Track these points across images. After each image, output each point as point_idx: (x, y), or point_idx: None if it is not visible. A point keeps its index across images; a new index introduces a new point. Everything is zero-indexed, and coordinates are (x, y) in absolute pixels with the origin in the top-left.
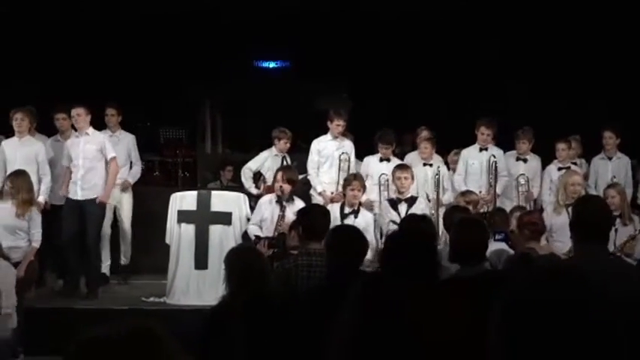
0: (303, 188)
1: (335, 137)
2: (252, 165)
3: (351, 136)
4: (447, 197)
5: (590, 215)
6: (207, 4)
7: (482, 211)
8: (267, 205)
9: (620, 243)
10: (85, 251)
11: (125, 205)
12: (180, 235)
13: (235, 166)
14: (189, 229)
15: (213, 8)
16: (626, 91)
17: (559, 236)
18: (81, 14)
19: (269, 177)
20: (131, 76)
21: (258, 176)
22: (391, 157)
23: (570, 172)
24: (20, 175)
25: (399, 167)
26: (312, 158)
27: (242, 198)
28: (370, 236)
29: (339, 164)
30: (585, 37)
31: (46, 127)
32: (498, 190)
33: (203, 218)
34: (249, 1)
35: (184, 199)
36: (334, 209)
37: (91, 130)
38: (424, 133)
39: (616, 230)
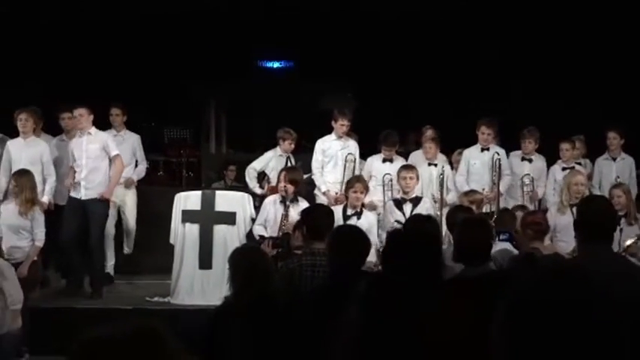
0: (307, 188)
1: (339, 137)
2: (257, 165)
3: (356, 136)
4: (452, 197)
5: (595, 215)
6: (212, 4)
7: (485, 210)
8: (272, 205)
9: (624, 243)
10: (89, 251)
11: (129, 203)
12: (184, 235)
13: (238, 165)
14: (193, 229)
15: (217, 8)
16: (631, 91)
17: (563, 236)
18: (87, 14)
19: (273, 177)
20: (135, 76)
21: (262, 176)
22: (394, 157)
23: (573, 172)
24: (24, 174)
25: (404, 167)
26: (317, 158)
27: (246, 198)
28: (374, 238)
29: (345, 165)
30: (590, 37)
31: (51, 127)
32: (501, 189)
33: (207, 218)
34: (253, 2)
35: (189, 199)
36: (337, 211)
37: (93, 129)
38: (429, 132)
39: (621, 230)
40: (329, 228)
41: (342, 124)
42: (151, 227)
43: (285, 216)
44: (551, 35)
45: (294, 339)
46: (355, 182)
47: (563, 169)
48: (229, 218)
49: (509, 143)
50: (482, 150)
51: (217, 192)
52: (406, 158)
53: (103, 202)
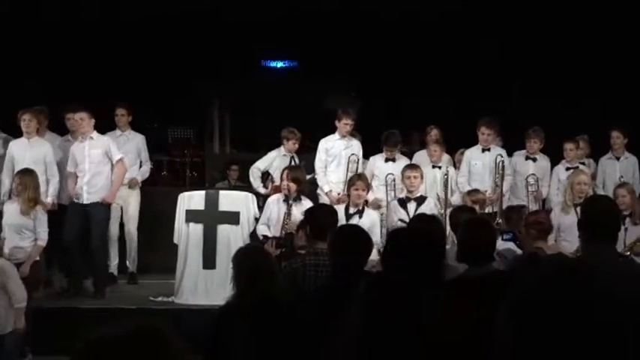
0: (310, 188)
1: (343, 136)
2: (261, 164)
3: (359, 135)
4: (456, 198)
5: (599, 215)
6: (215, 4)
7: (487, 211)
8: (275, 204)
9: (629, 242)
10: (90, 252)
11: (131, 206)
12: (188, 235)
13: (241, 165)
14: (197, 229)
15: (220, 8)
16: (634, 90)
17: (567, 235)
18: (91, 14)
19: (277, 177)
20: (139, 77)
21: (266, 176)
22: (397, 156)
23: (577, 172)
24: (28, 173)
25: (408, 166)
26: (320, 157)
27: (250, 198)
28: (376, 236)
29: (348, 165)
30: (594, 36)
31: (57, 126)
32: (503, 190)
33: (211, 218)
34: (257, 1)
35: (192, 199)
36: (339, 209)
37: (95, 134)
38: (433, 133)
39: (626, 229)
40: (332, 228)
41: (345, 124)
42: (154, 227)
43: (288, 215)
44: (555, 34)
45: (297, 339)
46: (357, 180)
47: (567, 168)
48: (233, 218)
49: (513, 143)
50: (484, 150)
51: (221, 192)
52: (410, 158)
53: (104, 207)
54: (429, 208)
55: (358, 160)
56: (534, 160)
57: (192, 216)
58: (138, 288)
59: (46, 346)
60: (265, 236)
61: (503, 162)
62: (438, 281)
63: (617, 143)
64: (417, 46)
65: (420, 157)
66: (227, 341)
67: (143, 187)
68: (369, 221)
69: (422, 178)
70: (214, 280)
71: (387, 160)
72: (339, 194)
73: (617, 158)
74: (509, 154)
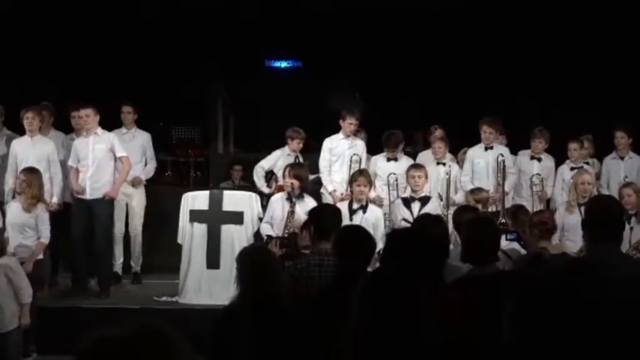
0: (314, 187)
1: (347, 136)
2: (265, 164)
3: (364, 134)
4: (459, 197)
5: (603, 215)
6: (220, 4)
7: (491, 210)
8: (278, 202)
9: (634, 242)
10: (95, 251)
11: (136, 205)
12: (192, 235)
13: (244, 165)
14: (201, 229)
15: (225, 8)
16: (638, 90)
17: (571, 235)
18: (98, 13)
19: (281, 176)
20: (143, 76)
21: (270, 175)
22: (399, 156)
23: (581, 172)
24: (34, 171)
25: (413, 166)
26: (324, 156)
27: (254, 197)
28: (381, 232)
29: (350, 165)
30: (598, 36)
31: (63, 124)
32: (507, 188)
33: (215, 218)
34: (261, 1)
35: (196, 199)
36: (343, 206)
37: (100, 130)
38: (438, 132)
39: (631, 229)
40: (336, 228)
41: (349, 123)
42: (158, 227)
43: (291, 213)
44: (560, 34)
45: (301, 339)
46: (358, 176)
47: (572, 168)
48: (237, 218)
49: (518, 143)
50: (486, 149)
51: (225, 192)
52: (414, 158)
53: (107, 203)
54: (432, 208)
55: (360, 160)
56: (539, 159)
57: (196, 216)
58: (142, 288)
59: (50, 345)
60: (269, 236)
61: (504, 161)
62: (436, 281)
63: (621, 143)
64: (421, 46)
65: (424, 156)
66: (230, 341)
67: (147, 187)
68: (374, 216)
69: (426, 177)
70: (218, 280)
71: (388, 159)
72: (342, 194)
73: (622, 158)
74: (514, 154)
